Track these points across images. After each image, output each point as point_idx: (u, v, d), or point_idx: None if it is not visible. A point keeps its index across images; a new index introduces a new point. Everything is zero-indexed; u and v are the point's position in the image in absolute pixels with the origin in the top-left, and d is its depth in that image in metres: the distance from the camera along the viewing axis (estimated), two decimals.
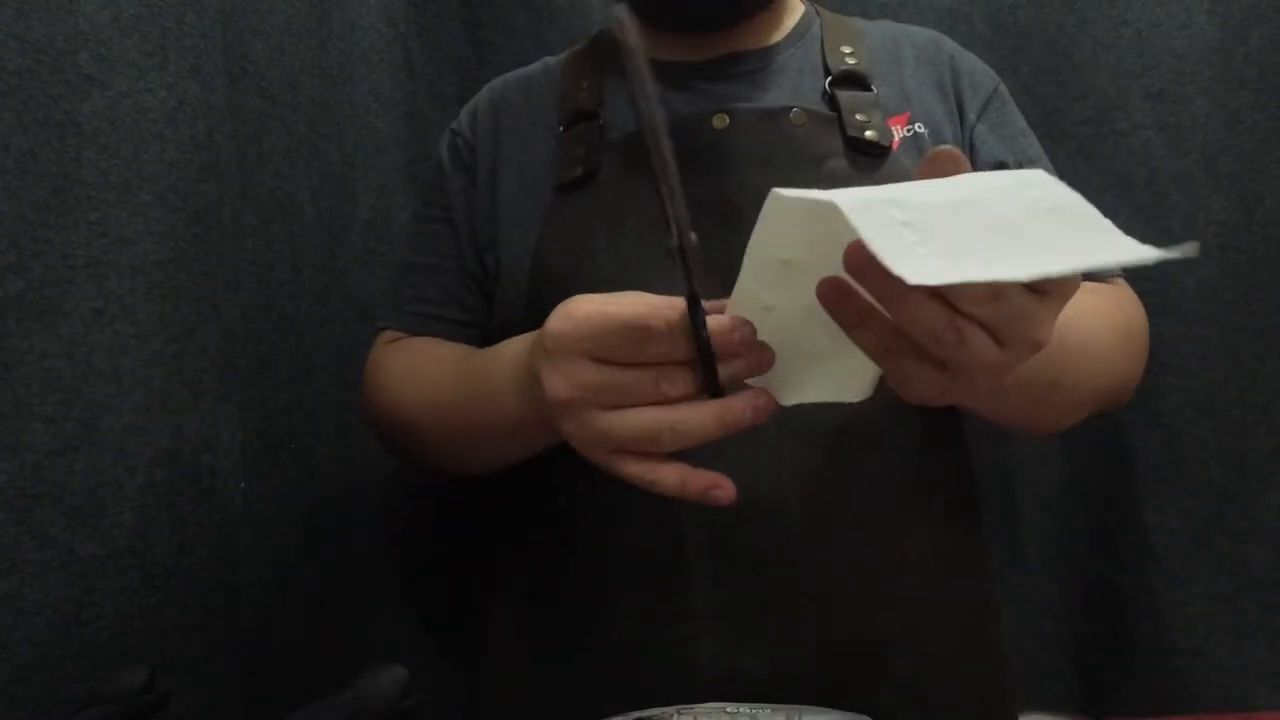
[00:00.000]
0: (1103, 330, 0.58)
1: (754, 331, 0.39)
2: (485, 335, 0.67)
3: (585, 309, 0.42)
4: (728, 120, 0.59)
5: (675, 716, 0.45)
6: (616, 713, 0.47)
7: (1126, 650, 0.81)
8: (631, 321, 0.40)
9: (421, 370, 0.64)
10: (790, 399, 0.42)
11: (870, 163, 0.59)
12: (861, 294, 0.36)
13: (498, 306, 0.65)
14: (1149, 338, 0.65)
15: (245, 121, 0.66)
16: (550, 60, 0.72)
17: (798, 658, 0.53)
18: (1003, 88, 0.68)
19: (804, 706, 0.45)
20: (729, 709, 0.45)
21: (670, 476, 0.41)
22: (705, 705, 0.46)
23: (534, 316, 0.60)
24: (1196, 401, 0.80)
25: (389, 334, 0.70)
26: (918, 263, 0.29)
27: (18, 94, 0.47)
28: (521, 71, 0.73)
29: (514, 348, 0.52)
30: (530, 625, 0.63)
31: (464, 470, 0.64)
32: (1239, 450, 0.80)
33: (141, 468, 0.52)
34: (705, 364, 0.39)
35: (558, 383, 0.42)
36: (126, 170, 0.52)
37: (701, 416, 0.40)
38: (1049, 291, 0.36)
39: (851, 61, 0.64)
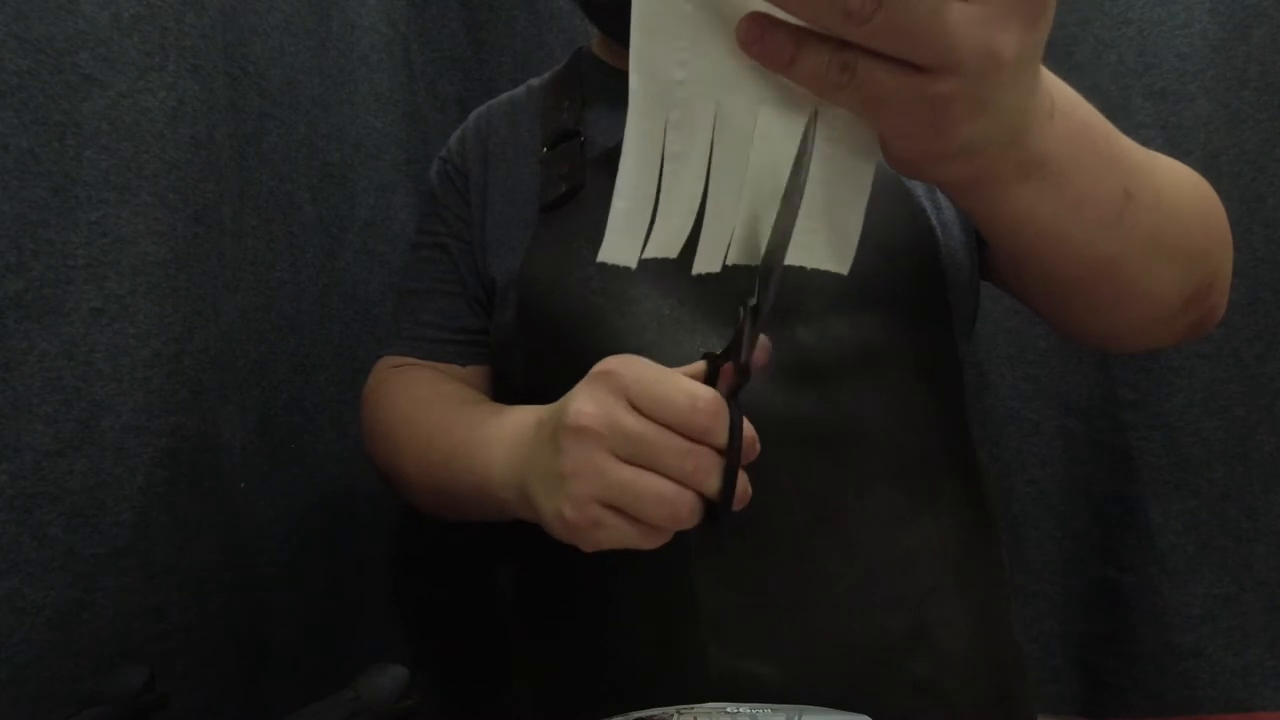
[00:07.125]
0: (1181, 180, 0.50)
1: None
2: (487, 354, 0.68)
3: (644, 361, 0.41)
4: None
5: (675, 716, 0.44)
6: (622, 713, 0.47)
7: (1129, 651, 0.81)
8: (691, 388, 0.39)
9: (415, 416, 0.63)
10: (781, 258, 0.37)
11: None
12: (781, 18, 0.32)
13: (494, 329, 0.65)
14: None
15: (245, 121, 0.66)
16: (534, 82, 0.73)
17: (809, 660, 0.52)
18: None
19: (804, 707, 0.45)
20: (729, 709, 0.45)
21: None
22: (705, 705, 0.46)
23: (526, 333, 0.60)
24: (1199, 402, 0.79)
25: (390, 359, 0.70)
26: None
27: (18, 94, 0.47)
28: (506, 96, 0.73)
29: (517, 415, 0.51)
30: (533, 627, 0.63)
31: (445, 518, 0.64)
32: (1242, 450, 0.80)
33: (141, 468, 0.52)
34: (730, 463, 0.39)
35: (588, 407, 0.40)
36: (126, 170, 0.52)
37: (694, 508, 0.39)
38: None
39: None
